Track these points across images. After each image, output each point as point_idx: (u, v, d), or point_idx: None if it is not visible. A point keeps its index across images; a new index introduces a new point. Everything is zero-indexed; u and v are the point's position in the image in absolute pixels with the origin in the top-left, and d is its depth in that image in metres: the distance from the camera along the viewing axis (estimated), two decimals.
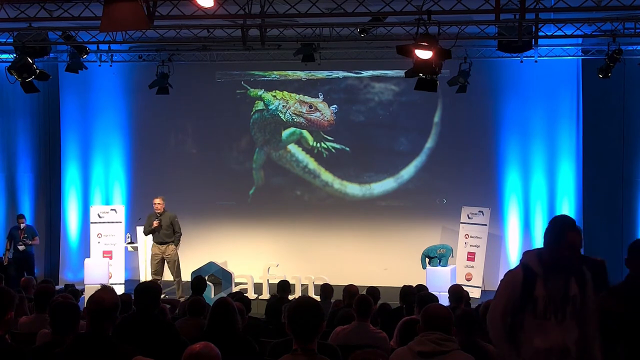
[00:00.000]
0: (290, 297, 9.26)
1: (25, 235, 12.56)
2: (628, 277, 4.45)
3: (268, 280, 12.04)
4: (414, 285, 8.17)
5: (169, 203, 13.37)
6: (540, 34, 10.32)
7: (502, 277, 3.98)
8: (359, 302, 5.94)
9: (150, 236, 11.95)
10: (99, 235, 13.07)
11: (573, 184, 12.78)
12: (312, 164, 13.87)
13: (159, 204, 11.67)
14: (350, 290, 7.72)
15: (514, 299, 3.85)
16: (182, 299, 10.59)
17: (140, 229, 12.53)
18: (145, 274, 12.34)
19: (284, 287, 9.00)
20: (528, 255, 3.94)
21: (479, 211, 12.70)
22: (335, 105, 13.70)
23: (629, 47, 11.53)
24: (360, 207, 13.66)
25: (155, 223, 11.53)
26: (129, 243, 13.07)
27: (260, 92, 13.95)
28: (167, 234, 11.63)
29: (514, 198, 13.02)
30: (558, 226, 3.86)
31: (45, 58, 11.64)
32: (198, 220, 13.45)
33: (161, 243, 11.64)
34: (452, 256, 12.27)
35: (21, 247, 12.43)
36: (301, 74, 13.69)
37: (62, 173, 14.26)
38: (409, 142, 13.54)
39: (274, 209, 13.82)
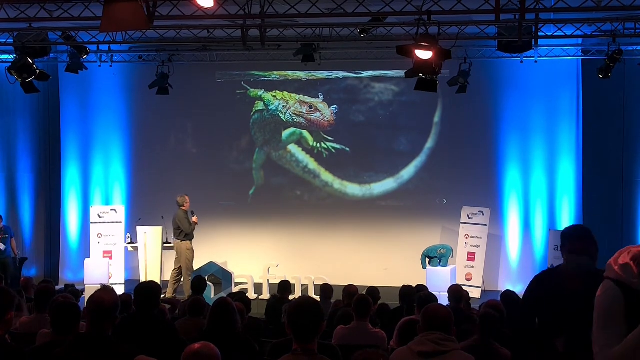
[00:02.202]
0: (291, 297, 9.26)
1: (6, 234, 12.47)
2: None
3: (268, 280, 12.04)
4: (414, 285, 8.17)
5: (169, 203, 13.39)
6: (540, 34, 10.32)
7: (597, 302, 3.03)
8: (357, 302, 5.95)
9: (158, 237, 12.17)
10: (99, 235, 13.06)
11: (573, 185, 12.78)
12: (312, 164, 13.87)
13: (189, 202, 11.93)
14: (350, 290, 7.74)
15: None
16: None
17: (140, 229, 12.53)
18: (145, 274, 12.34)
19: (284, 287, 9.00)
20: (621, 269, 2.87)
21: (479, 211, 12.70)
22: (335, 106, 13.71)
23: (629, 47, 11.53)
24: (360, 207, 13.66)
25: (196, 219, 11.80)
26: (129, 243, 13.08)
27: (260, 92, 13.95)
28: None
29: (514, 198, 13.02)
30: None
31: (45, 58, 11.63)
32: (198, 221, 13.43)
33: (192, 239, 11.88)
34: (452, 256, 12.27)
35: (2, 247, 12.34)
36: (301, 74, 13.69)
37: (62, 173, 14.26)
38: (409, 142, 13.54)
39: (274, 209, 13.82)
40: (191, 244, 11.88)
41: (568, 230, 4.11)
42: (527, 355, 4.09)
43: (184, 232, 11.82)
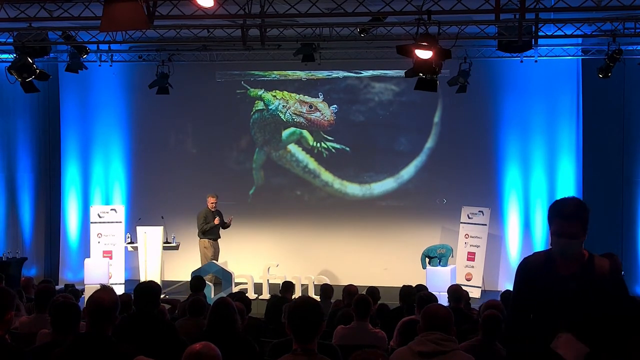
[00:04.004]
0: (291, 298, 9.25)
1: None
2: None
3: (268, 280, 12.03)
4: (414, 285, 8.18)
5: (169, 203, 13.41)
6: (540, 33, 10.32)
7: None
8: (357, 302, 5.96)
9: (159, 237, 12.16)
10: (99, 235, 13.05)
11: (573, 185, 12.78)
12: (312, 164, 13.87)
13: (215, 202, 12.23)
14: (350, 290, 7.75)
15: None
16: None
17: (140, 229, 12.51)
18: (145, 274, 12.34)
19: (287, 287, 9.00)
20: None
21: (479, 211, 12.70)
22: (335, 105, 13.70)
23: (629, 47, 11.53)
24: (360, 207, 13.66)
25: (217, 220, 12.07)
26: (129, 243, 13.06)
27: (260, 92, 13.95)
28: (218, 231, 12.29)
29: (514, 198, 13.02)
30: None
31: (45, 58, 11.64)
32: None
33: (216, 239, 12.21)
34: (452, 256, 12.26)
35: None
36: (301, 74, 13.69)
37: (62, 173, 14.25)
38: (409, 142, 13.54)
39: (274, 208, 13.82)
40: (209, 242, 12.19)
41: (555, 206, 3.43)
42: (521, 355, 3.61)
43: (199, 231, 12.23)
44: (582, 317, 3.34)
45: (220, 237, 12.37)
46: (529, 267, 3.58)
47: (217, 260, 12.19)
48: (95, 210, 13.22)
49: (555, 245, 3.41)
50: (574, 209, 3.39)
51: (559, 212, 3.39)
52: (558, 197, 3.48)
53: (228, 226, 12.45)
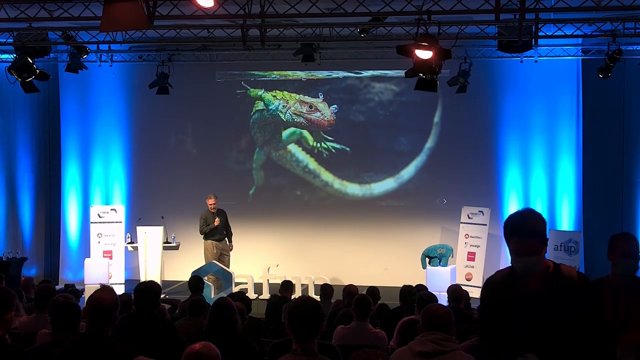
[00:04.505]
0: (291, 297, 9.25)
1: None
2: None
3: (268, 280, 12.04)
4: (414, 285, 8.18)
5: (169, 203, 13.39)
6: (540, 34, 10.31)
7: None
8: (357, 302, 5.96)
9: (159, 237, 12.15)
10: (99, 235, 13.05)
11: (573, 185, 12.78)
12: (312, 164, 13.87)
13: (214, 203, 12.15)
14: (350, 290, 7.76)
15: None
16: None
17: (140, 229, 12.52)
18: (145, 274, 12.34)
19: (286, 286, 9.00)
20: None
21: (479, 211, 12.70)
22: (335, 105, 13.70)
23: (629, 47, 11.53)
24: (360, 207, 13.66)
25: (217, 222, 12.00)
26: (129, 243, 13.06)
27: (260, 92, 13.95)
28: (222, 231, 12.25)
29: (514, 198, 13.02)
30: None
31: (45, 58, 11.63)
32: (198, 221, 13.44)
33: (219, 240, 12.18)
34: (452, 256, 12.27)
35: None
36: (301, 74, 13.69)
37: (62, 173, 14.25)
38: (409, 142, 13.54)
39: (274, 208, 13.82)
40: (212, 243, 12.14)
41: (509, 225, 3.25)
42: None
43: (200, 233, 12.25)
44: (548, 333, 3.21)
45: (223, 238, 12.31)
46: (494, 288, 3.41)
47: (229, 259, 12.20)
48: (95, 210, 13.22)
49: (516, 264, 3.26)
50: (529, 225, 3.20)
51: (514, 231, 3.22)
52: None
53: (229, 233, 12.41)
